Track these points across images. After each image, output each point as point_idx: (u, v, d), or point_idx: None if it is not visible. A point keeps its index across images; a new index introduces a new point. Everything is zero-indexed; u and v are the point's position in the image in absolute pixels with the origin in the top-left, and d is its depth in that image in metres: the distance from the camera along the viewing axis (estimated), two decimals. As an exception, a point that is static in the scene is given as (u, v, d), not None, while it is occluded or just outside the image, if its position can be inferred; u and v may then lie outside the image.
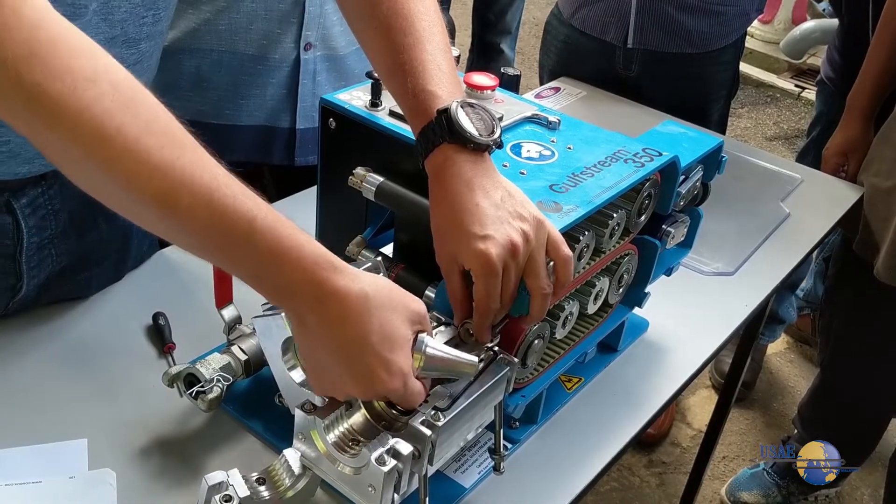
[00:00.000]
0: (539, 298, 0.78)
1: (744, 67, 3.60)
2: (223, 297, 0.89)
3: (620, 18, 1.79)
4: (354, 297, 0.67)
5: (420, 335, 0.71)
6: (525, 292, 0.78)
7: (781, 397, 2.44)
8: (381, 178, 0.89)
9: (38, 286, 0.99)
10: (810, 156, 2.06)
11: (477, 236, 0.75)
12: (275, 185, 1.48)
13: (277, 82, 1.31)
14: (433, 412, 0.71)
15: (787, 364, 2.57)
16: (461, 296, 0.79)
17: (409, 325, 0.70)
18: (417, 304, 0.72)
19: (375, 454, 0.68)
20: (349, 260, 0.94)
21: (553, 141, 0.94)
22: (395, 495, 0.71)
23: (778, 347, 2.60)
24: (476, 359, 0.74)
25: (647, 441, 2.20)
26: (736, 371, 1.73)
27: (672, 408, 2.28)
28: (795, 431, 2.03)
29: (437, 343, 0.72)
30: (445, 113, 0.76)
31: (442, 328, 0.79)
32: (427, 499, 0.74)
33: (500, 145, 0.79)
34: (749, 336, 1.66)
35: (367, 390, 0.70)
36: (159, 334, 1.00)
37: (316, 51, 1.30)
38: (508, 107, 0.98)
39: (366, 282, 0.69)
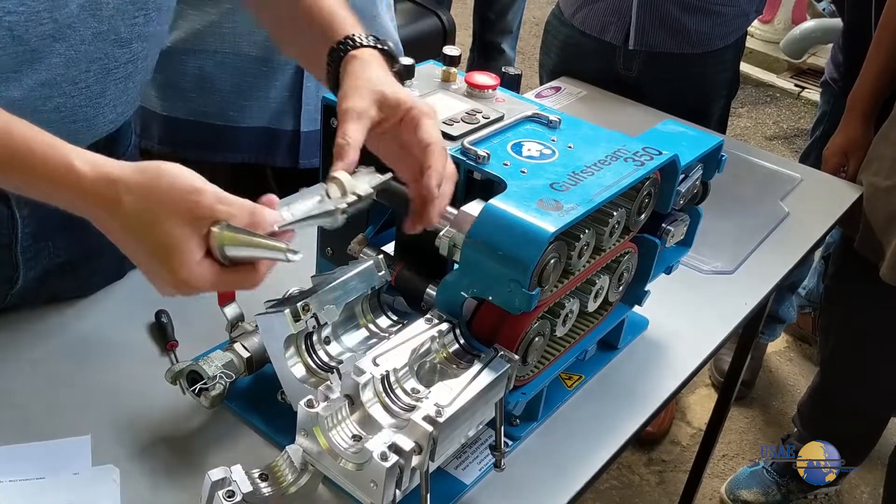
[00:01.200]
0: (441, 153, 0.79)
1: (744, 67, 3.60)
2: (225, 294, 0.89)
3: (621, 18, 1.80)
4: (110, 210, 0.66)
5: (216, 225, 0.66)
6: (512, 283, 0.78)
7: (781, 396, 2.45)
8: (383, 177, 0.89)
9: (37, 279, 0.99)
10: (812, 156, 2.07)
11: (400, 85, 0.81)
12: (277, 185, 1.48)
13: (281, 85, 1.31)
14: (435, 409, 0.72)
15: (786, 363, 2.58)
16: (355, 139, 0.73)
17: (184, 224, 0.65)
18: (193, 197, 0.66)
19: (378, 450, 0.69)
20: (351, 258, 0.94)
21: (553, 140, 0.94)
22: (397, 491, 0.71)
23: (778, 346, 2.61)
24: (284, 245, 0.67)
25: (646, 439, 2.20)
26: (735, 369, 1.74)
27: (672, 406, 2.28)
28: (795, 430, 2.03)
29: (235, 233, 0.67)
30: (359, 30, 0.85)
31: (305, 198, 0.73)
32: (428, 495, 0.74)
33: (402, 74, 0.87)
34: (748, 334, 1.67)
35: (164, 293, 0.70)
36: (162, 332, 1.01)
37: (318, 52, 1.31)
38: (509, 106, 0.99)
39: (121, 186, 0.65)
